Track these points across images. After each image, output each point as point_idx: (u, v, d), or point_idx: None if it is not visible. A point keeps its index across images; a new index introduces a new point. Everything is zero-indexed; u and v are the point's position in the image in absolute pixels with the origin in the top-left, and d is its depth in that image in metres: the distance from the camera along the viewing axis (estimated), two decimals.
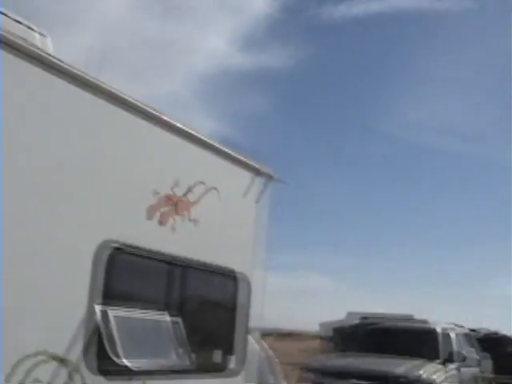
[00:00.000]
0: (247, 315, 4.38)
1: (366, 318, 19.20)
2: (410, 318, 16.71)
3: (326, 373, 8.56)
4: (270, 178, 4.61)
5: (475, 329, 23.36)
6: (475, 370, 9.42)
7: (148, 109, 3.60)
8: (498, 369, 14.68)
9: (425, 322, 15.05)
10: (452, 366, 8.66)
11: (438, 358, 8.77)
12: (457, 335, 9.63)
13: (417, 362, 8.48)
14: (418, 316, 17.25)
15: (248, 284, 4.33)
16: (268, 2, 66.09)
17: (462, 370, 8.83)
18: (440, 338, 9.38)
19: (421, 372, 7.99)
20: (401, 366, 8.33)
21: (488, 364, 11.00)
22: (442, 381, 7.99)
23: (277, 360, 9.57)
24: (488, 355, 11.27)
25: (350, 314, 22.38)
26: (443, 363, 8.60)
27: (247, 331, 4.32)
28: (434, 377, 7.95)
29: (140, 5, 47.94)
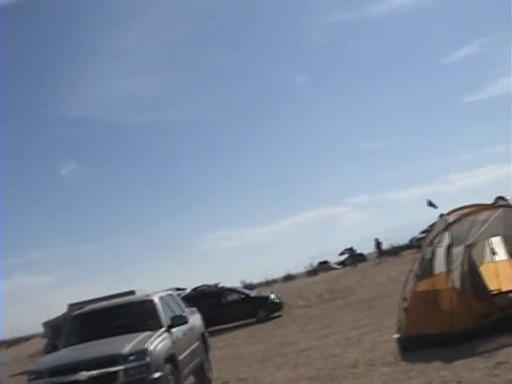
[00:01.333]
0: None
1: (73, 305, 18.76)
2: (130, 293, 16.98)
3: (51, 373, 8.19)
4: None
5: (197, 286, 25.06)
6: (186, 326, 10.03)
7: None
8: (213, 319, 15.95)
9: (132, 293, 15.31)
10: (163, 329, 9.04)
11: (148, 326, 9.04)
12: (162, 298, 10.04)
13: (127, 336, 8.62)
14: (141, 288, 17.64)
15: None
16: None
17: (173, 330, 9.31)
18: (145, 306, 9.62)
19: (134, 344, 8.16)
20: (112, 344, 8.41)
21: (198, 318, 11.81)
22: (154, 346, 8.32)
23: None
24: (195, 310, 12.07)
25: (70, 306, 21.61)
26: (154, 329, 8.92)
27: None
28: (148, 346, 8.22)
29: None
